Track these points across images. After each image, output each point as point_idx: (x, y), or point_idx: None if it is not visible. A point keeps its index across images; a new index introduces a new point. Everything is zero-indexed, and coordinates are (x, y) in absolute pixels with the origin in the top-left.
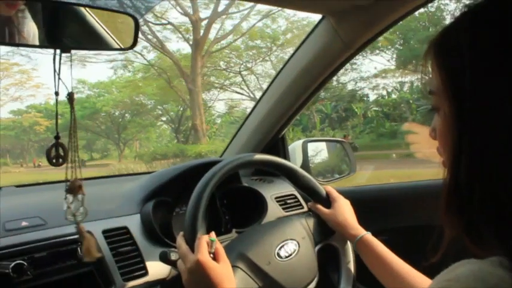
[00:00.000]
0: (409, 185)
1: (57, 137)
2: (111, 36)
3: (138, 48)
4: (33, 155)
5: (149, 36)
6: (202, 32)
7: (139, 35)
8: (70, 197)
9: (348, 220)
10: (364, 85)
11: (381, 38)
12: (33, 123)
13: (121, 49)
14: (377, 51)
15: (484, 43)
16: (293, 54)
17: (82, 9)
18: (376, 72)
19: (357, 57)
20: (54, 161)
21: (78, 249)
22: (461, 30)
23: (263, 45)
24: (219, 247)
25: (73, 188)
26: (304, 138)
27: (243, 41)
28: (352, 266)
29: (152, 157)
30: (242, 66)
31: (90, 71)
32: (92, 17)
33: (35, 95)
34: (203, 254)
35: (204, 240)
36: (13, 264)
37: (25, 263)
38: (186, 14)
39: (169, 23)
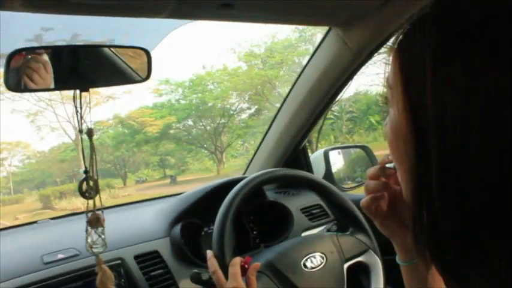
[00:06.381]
0: None
1: (86, 172)
2: (127, 70)
3: None
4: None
5: None
6: None
7: None
8: (90, 229)
9: None
10: None
11: None
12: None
13: (136, 81)
14: None
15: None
16: (304, 67)
17: (95, 49)
18: None
19: None
20: (86, 194)
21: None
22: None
23: None
24: (253, 278)
25: (92, 221)
26: None
27: None
28: (381, 282)
29: None
30: None
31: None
32: (105, 54)
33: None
34: (239, 282)
35: (238, 266)
36: None
37: None
38: None
39: None
